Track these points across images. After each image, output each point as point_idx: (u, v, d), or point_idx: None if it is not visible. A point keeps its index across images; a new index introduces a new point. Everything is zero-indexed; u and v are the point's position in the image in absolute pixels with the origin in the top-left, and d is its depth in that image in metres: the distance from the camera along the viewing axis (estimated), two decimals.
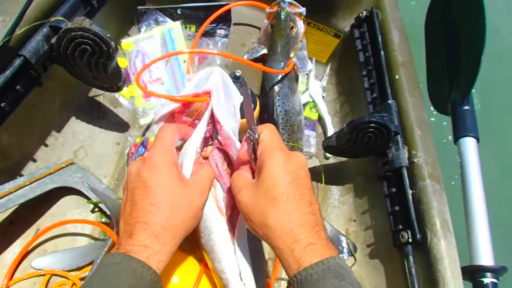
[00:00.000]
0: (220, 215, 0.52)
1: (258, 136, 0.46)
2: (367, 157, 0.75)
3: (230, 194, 0.54)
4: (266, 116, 0.79)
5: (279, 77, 0.77)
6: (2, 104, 0.55)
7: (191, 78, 0.56)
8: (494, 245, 0.66)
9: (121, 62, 0.79)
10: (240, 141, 0.51)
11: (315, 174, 0.78)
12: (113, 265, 0.37)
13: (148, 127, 0.77)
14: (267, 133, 0.46)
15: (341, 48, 0.91)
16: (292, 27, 0.77)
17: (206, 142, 0.56)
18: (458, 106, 0.81)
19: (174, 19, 0.81)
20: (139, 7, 0.80)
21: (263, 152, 0.44)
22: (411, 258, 0.62)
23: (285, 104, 0.77)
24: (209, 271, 0.54)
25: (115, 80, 0.63)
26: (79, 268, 0.63)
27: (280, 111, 0.77)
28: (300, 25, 0.78)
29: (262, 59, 0.81)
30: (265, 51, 0.79)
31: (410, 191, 0.65)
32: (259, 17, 0.81)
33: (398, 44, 0.77)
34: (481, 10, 0.74)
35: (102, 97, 0.76)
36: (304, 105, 0.89)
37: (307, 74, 0.90)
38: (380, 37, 0.78)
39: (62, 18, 0.57)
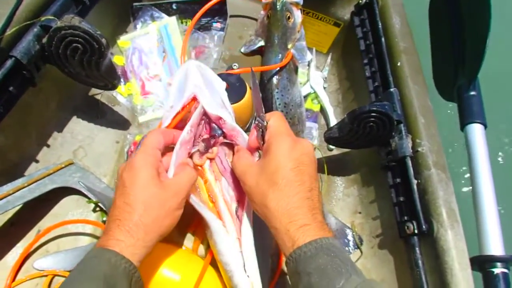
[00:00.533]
0: (226, 209, 0.52)
1: (267, 123, 0.48)
2: (370, 147, 0.73)
3: (236, 187, 0.54)
4: (266, 108, 0.78)
5: (277, 69, 0.75)
6: None
7: (171, 82, 0.56)
8: (504, 234, 0.64)
9: (118, 59, 0.78)
10: (243, 129, 0.52)
11: (318, 166, 0.75)
12: (90, 258, 0.40)
13: (147, 124, 0.76)
14: (275, 119, 0.48)
15: (342, 37, 0.89)
16: (289, 18, 0.75)
17: (208, 143, 0.55)
18: (464, 92, 0.79)
19: (169, 14, 0.80)
20: (134, 4, 0.79)
21: (270, 137, 0.46)
22: (417, 249, 0.61)
23: (284, 97, 0.75)
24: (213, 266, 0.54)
25: (109, 78, 0.62)
26: None
27: (279, 104, 0.75)
28: (298, 15, 0.76)
29: (259, 51, 0.79)
30: (262, 43, 0.77)
31: (415, 181, 0.63)
32: (256, 9, 0.79)
33: (400, 30, 0.75)
34: None
35: (100, 95, 0.75)
36: (306, 96, 0.87)
37: (308, 65, 0.89)
38: (380, 24, 0.76)
39: (52, 17, 0.56)
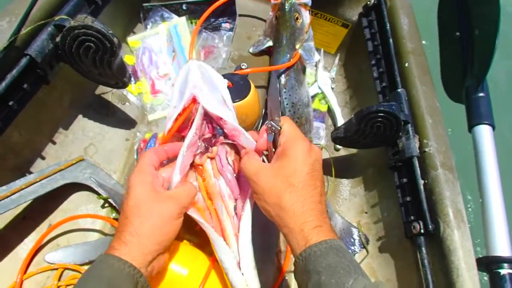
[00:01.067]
0: (223, 207, 0.53)
1: (280, 127, 0.49)
2: (377, 147, 0.73)
3: (234, 185, 0.54)
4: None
5: (285, 69, 0.76)
6: (10, 103, 0.56)
7: (174, 83, 0.57)
8: (511, 236, 0.64)
9: (129, 59, 0.80)
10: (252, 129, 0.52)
11: (326, 166, 0.76)
12: (96, 263, 0.43)
13: (156, 123, 0.77)
14: (288, 124, 0.50)
15: (350, 38, 0.89)
16: (297, 18, 0.75)
17: (209, 142, 0.56)
18: (472, 93, 0.79)
19: (179, 14, 0.81)
20: (144, 4, 0.81)
21: (287, 141, 0.48)
22: (423, 249, 0.61)
23: (292, 96, 0.76)
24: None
25: (121, 76, 0.63)
26: (91, 262, 0.64)
27: (287, 104, 0.76)
28: (306, 16, 0.77)
29: (268, 52, 0.80)
30: (270, 43, 0.78)
31: (421, 181, 0.63)
32: (265, 10, 0.80)
33: (408, 31, 0.75)
34: None
35: (111, 94, 0.77)
36: (313, 97, 0.88)
37: (316, 66, 0.89)
38: (388, 25, 0.76)
39: (66, 17, 0.58)
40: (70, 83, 0.71)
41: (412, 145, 0.65)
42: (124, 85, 0.67)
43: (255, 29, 0.81)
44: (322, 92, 0.87)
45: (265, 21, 0.81)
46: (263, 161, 0.53)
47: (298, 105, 0.76)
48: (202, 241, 0.58)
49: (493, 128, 0.75)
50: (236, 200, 0.54)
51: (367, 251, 0.72)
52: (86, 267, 0.63)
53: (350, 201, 0.79)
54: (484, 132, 0.74)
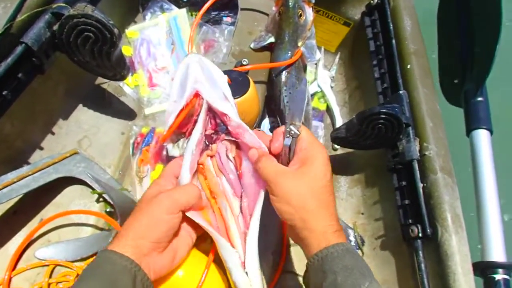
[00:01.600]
0: (228, 206, 0.52)
1: (299, 133, 0.50)
2: (376, 149, 0.73)
3: (237, 183, 0.54)
4: (273, 106, 0.78)
5: (286, 66, 0.75)
6: (4, 92, 0.54)
7: (173, 77, 0.56)
8: (507, 242, 0.65)
9: (126, 50, 0.77)
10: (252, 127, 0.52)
11: None
12: (97, 258, 0.43)
13: (153, 117, 0.75)
14: (306, 130, 0.51)
15: (351, 37, 0.88)
16: (301, 15, 0.74)
17: (210, 139, 0.55)
18: (471, 97, 0.79)
19: (180, 6, 0.79)
20: None
21: (308, 148, 0.49)
22: (420, 253, 0.61)
23: (292, 94, 0.75)
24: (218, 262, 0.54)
25: (119, 68, 0.62)
26: (83, 259, 0.62)
27: (287, 101, 0.75)
28: (309, 13, 0.75)
29: (269, 48, 0.78)
30: (272, 39, 0.77)
31: (421, 185, 0.63)
32: (267, 4, 0.79)
33: (410, 33, 0.74)
34: None
35: (107, 85, 0.75)
36: (312, 95, 0.87)
37: (316, 64, 0.88)
38: (391, 25, 0.75)
39: (64, 5, 0.55)
40: (65, 73, 0.69)
41: (412, 148, 0.65)
42: (122, 78, 0.65)
43: (256, 24, 0.79)
44: (322, 91, 0.86)
45: (267, 16, 0.79)
46: None
47: None
48: (198, 241, 0.57)
49: (491, 133, 0.76)
50: (240, 198, 0.53)
51: (362, 252, 0.73)
52: (78, 264, 0.61)
53: (347, 202, 0.78)
54: (482, 136, 0.75)
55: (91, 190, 0.66)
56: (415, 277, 0.60)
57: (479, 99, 0.78)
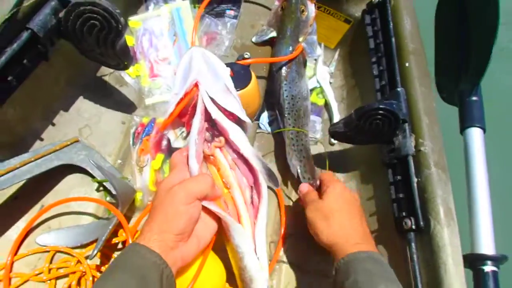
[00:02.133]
0: (241, 196, 0.55)
1: (318, 180, 0.70)
2: (372, 144, 0.75)
3: (249, 174, 0.56)
4: (273, 100, 0.79)
5: (287, 61, 0.76)
6: (9, 78, 0.54)
7: (176, 71, 0.56)
8: (496, 235, 0.67)
9: (128, 40, 0.77)
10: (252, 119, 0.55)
11: (320, 160, 0.78)
12: (127, 250, 0.45)
13: (153, 107, 0.76)
14: (326, 175, 0.69)
15: (351, 34, 0.89)
16: (303, 11, 0.75)
17: (212, 131, 0.57)
18: (466, 96, 0.81)
19: None
20: None
21: (327, 183, 0.65)
22: (413, 244, 0.63)
23: (292, 89, 0.76)
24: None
25: (123, 57, 0.62)
26: (83, 246, 0.63)
27: (287, 96, 0.76)
28: (311, 9, 0.77)
29: (270, 42, 0.79)
30: (274, 34, 0.78)
31: (415, 179, 0.65)
32: None
33: (410, 31, 0.76)
34: None
35: (108, 75, 0.75)
36: (311, 90, 0.88)
37: (315, 60, 0.90)
38: (391, 24, 0.77)
39: None
40: (68, 61, 0.69)
41: (408, 143, 0.67)
42: (125, 67, 0.65)
43: (258, 18, 0.80)
44: (320, 87, 0.88)
45: (270, 10, 0.80)
46: None
47: (297, 98, 0.77)
48: None
49: (484, 131, 0.78)
50: (251, 187, 0.56)
51: None
52: (79, 250, 0.62)
53: None
54: (475, 134, 0.77)
55: (91, 178, 0.67)
56: (407, 268, 0.62)
57: (474, 98, 0.80)
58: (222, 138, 0.56)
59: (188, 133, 0.57)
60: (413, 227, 0.63)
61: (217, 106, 0.55)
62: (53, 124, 0.70)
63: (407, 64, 0.73)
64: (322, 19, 0.87)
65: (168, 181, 0.50)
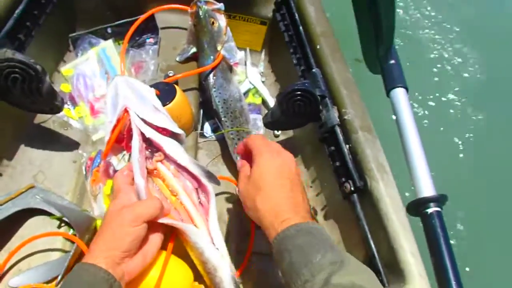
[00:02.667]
0: (188, 200, 0.59)
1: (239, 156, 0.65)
2: (306, 125, 0.80)
3: (191, 177, 0.61)
4: (208, 107, 0.84)
5: (211, 70, 0.82)
6: None
7: (106, 100, 0.62)
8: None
9: (65, 87, 0.84)
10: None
11: None
12: (75, 269, 0.48)
13: (102, 141, 0.81)
14: (254, 139, 0.60)
15: (270, 33, 0.96)
16: (213, 23, 0.82)
17: (150, 148, 0.61)
18: (385, 62, 0.87)
19: (106, 38, 0.86)
20: (71, 35, 0.86)
21: (254, 153, 0.57)
22: (358, 205, 0.67)
23: (222, 94, 0.82)
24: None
25: (52, 100, 0.68)
26: (54, 279, 0.66)
27: (219, 101, 0.82)
28: (221, 20, 0.83)
29: (194, 58, 0.86)
30: (194, 49, 0.85)
31: (346, 146, 0.70)
32: (184, 20, 0.86)
33: (315, 17, 0.83)
34: None
35: (51, 122, 0.80)
36: (247, 92, 0.94)
37: (245, 64, 0.96)
38: (297, 15, 0.84)
39: None
40: (9, 117, 0.74)
41: (332, 115, 0.72)
42: (59, 109, 0.71)
43: (179, 39, 0.87)
44: (255, 87, 0.94)
45: (186, 30, 0.87)
46: None
47: (229, 101, 0.82)
48: None
49: (407, 90, 0.83)
50: (196, 190, 0.61)
51: (317, 221, 0.78)
52: (52, 284, 0.65)
53: None
54: (399, 94, 0.82)
55: (50, 216, 0.71)
56: (360, 228, 0.66)
57: (391, 62, 0.86)
58: (161, 153, 0.61)
59: (130, 155, 0.62)
60: (352, 188, 0.67)
61: (150, 125, 0.61)
62: (7, 177, 0.74)
63: (318, 47, 0.79)
64: (239, 26, 0.94)
65: (117, 202, 0.54)
